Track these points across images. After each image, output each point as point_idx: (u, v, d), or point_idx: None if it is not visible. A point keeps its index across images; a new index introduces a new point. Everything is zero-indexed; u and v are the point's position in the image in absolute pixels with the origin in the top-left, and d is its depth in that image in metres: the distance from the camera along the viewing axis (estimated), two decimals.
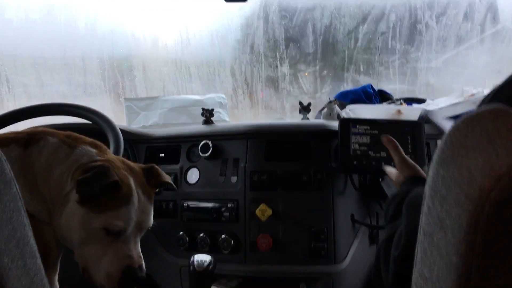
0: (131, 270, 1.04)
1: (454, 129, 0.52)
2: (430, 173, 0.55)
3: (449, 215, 0.49)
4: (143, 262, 1.08)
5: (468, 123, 0.51)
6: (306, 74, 2.45)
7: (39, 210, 1.03)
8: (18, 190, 0.64)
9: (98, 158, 1.07)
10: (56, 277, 1.10)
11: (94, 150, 1.09)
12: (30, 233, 0.67)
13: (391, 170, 1.30)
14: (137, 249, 1.09)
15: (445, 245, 0.50)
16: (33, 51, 2.46)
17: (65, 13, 2.39)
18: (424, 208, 0.56)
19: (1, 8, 2.37)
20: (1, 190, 0.59)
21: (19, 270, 0.61)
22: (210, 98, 2.17)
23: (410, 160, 1.24)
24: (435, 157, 0.54)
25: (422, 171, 1.21)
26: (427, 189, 0.55)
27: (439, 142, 1.67)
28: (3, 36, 2.42)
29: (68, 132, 1.13)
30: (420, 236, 0.58)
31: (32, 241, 0.67)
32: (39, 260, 0.68)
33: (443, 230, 0.50)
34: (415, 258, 0.60)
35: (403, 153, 1.26)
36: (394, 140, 1.29)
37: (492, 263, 0.45)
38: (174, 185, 1.25)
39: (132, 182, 1.07)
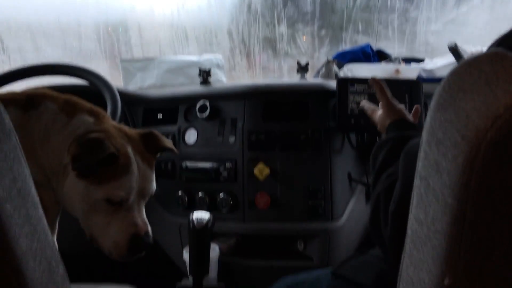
0: (137, 237, 1.05)
1: (452, 73, 0.52)
2: (427, 118, 0.55)
3: (445, 158, 0.50)
4: (149, 228, 1.09)
5: (466, 66, 0.51)
6: (304, 38, 2.42)
7: (36, 174, 0.99)
8: (18, 141, 0.64)
9: (95, 128, 1.04)
10: (55, 237, 1.11)
11: (91, 119, 1.07)
12: (31, 184, 0.67)
13: (374, 109, 1.28)
14: (142, 216, 1.09)
15: (441, 187, 0.51)
16: (28, 15, 2.42)
17: None
18: (421, 154, 0.57)
19: None
20: (1, 140, 0.59)
21: (21, 218, 0.61)
22: (207, 59, 2.15)
23: (397, 104, 1.23)
24: (432, 102, 0.54)
25: (408, 116, 1.21)
26: (424, 134, 0.56)
27: None
28: None
29: (68, 97, 1.10)
30: (416, 181, 0.59)
31: (34, 192, 0.67)
32: (41, 211, 0.69)
33: (439, 173, 0.51)
34: (410, 204, 0.61)
35: (390, 96, 1.26)
36: (381, 81, 1.28)
37: (487, 202, 0.46)
38: (175, 150, 1.24)
39: (130, 150, 1.06)
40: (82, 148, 0.97)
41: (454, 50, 1.13)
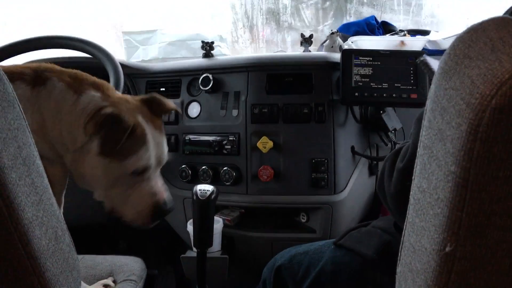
0: (158, 205, 1.11)
1: (458, 40, 0.52)
2: (432, 86, 0.55)
3: (449, 126, 0.49)
4: (168, 194, 1.15)
5: (472, 33, 0.51)
6: (308, 10, 2.38)
7: (45, 150, 1.02)
8: (21, 110, 0.65)
9: (103, 104, 1.04)
10: (61, 211, 1.12)
11: (98, 94, 1.06)
12: (36, 153, 0.67)
13: None
14: (159, 184, 1.15)
15: (444, 155, 0.51)
16: None
17: None
18: (425, 122, 0.57)
19: None
20: (5, 108, 0.59)
21: (27, 187, 0.62)
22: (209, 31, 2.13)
23: None
24: (437, 70, 0.54)
25: None
26: (428, 102, 0.56)
27: None
28: None
29: (73, 72, 1.09)
30: (420, 150, 0.58)
31: (38, 161, 0.68)
32: (46, 180, 0.70)
33: (443, 142, 0.51)
34: (414, 172, 0.61)
35: None
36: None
37: (490, 169, 0.46)
38: (179, 110, 1.24)
39: (141, 119, 1.08)
40: (101, 127, 0.99)
41: (424, 64, 1.13)
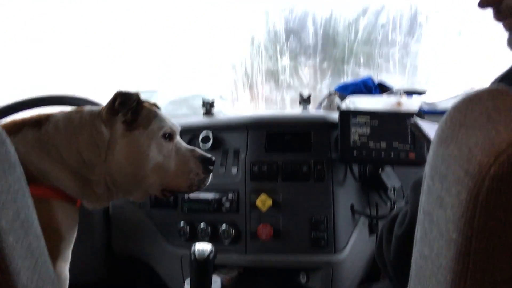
0: (202, 156, 1.25)
1: (454, 108, 0.53)
2: (430, 152, 0.56)
3: (449, 193, 0.50)
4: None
5: (467, 102, 0.52)
6: (307, 69, 2.45)
7: (71, 186, 1.09)
8: (22, 173, 0.65)
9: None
10: (67, 266, 1.11)
11: (92, 108, 1.19)
12: (34, 216, 0.67)
13: None
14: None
15: (445, 222, 0.51)
16: None
17: None
18: (424, 188, 0.57)
19: None
20: (6, 171, 0.59)
21: (23, 250, 0.61)
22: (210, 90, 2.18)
23: None
24: (435, 137, 0.55)
25: None
26: (427, 168, 0.56)
27: None
28: None
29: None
30: (420, 216, 0.58)
31: (36, 223, 0.68)
32: (43, 242, 0.69)
33: (443, 208, 0.51)
34: (415, 238, 0.60)
35: None
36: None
37: (492, 237, 0.46)
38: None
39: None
40: (115, 103, 1.13)
41: (415, 126, 1.16)
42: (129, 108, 1.15)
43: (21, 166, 0.64)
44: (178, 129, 1.27)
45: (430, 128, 1.21)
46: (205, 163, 1.25)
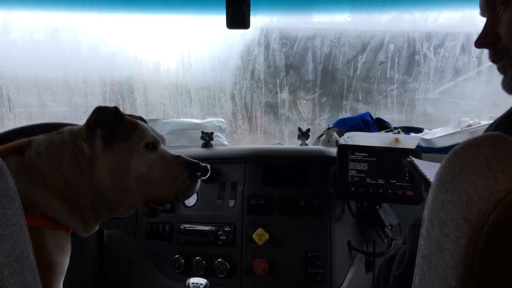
0: (188, 162, 1.22)
1: (453, 154, 0.53)
2: (429, 197, 0.56)
3: (448, 239, 0.50)
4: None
5: (466, 149, 0.53)
6: (304, 102, 2.48)
7: (59, 211, 1.07)
8: (21, 206, 0.65)
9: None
10: None
11: (75, 128, 1.18)
12: (30, 249, 0.67)
13: None
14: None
15: (444, 268, 0.50)
16: (36, 72, 2.49)
17: (69, 35, 2.43)
18: (423, 232, 0.57)
19: (6, 28, 2.40)
20: (5, 205, 0.59)
21: (18, 284, 0.61)
22: (209, 122, 2.19)
23: None
24: (434, 181, 0.55)
25: None
26: (426, 213, 0.56)
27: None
28: (6, 56, 2.46)
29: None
30: (418, 259, 0.58)
31: (32, 257, 0.67)
32: (37, 276, 0.68)
33: (442, 254, 0.51)
34: (413, 281, 0.60)
35: None
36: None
37: (491, 285, 0.46)
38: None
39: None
40: (93, 117, 1.12)
41: (411, 165, 1.18)
42: (106, 123, 1.14)
43: (19, 198, 0.64)
44: (162, 139, 1.26)
45: (426, 167, 1.22)
46: (192, 169, 1.22)
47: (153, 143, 1.19)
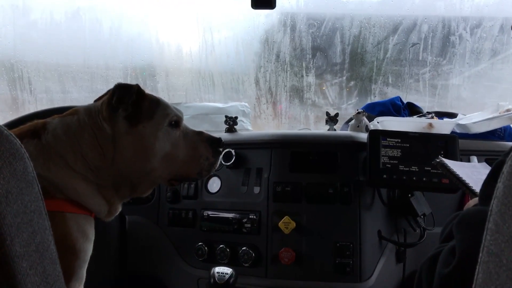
0: (212, 139, 1.20)
1: None
2: (499, 185, 0.49)
3: None
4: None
5: None
6: (324, 88, 2.39)
7: (83, 194, 1.04)
8: (40, 191, 0.60)
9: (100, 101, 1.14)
10: (82, 287, 1.05)
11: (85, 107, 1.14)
12: (51, 237, 0.62)
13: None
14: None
15: None
16: (57, 56, 2.46)
17: (90, 16, 2.38)
18: (490, 225, 0.50)
19: (26, 9, 2.37)
20: (23, 190, 0.54)
21: (37, 276, 0.56)
22: (233, 106, 2.13)
23: None
24: (506, 168, 0.48)
25: None
26: (495, 203, 0.49)
27: (472, 157, 1.57)
28: (27, 39, 2.43)
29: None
30: (483, 256, 0.51)
31: (53, 246, 0.62)
32: (58, 267, 0.63)
33: None
34: (475, 280, 0.53)
35: None
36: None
37: None
38: None
39: None
40: (113, 97, 1.07)
41: (442, 166, 1.11)
42: (129, 102, 1.09)
43: (38, 184, 0.59)
44: (182, 115, 1.22)
45: (458, 167, 1.14)
46: (215, 145, 1.20)
47: (176, 121, 1.16)
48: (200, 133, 1.21)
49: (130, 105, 1.09)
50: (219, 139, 1.21)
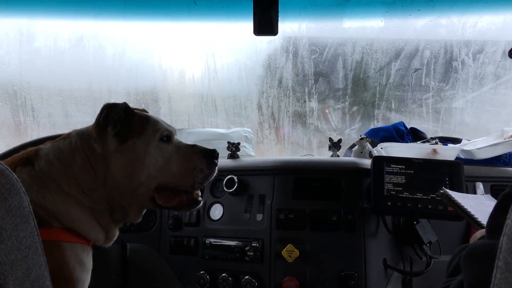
0: (205, 151, 1.19)
1: None
2: (509, 223, 0.47)
3: None
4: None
5: None
6: (327, 111, 2.39)
7: (79, 220, 1.03)
8: (36, 226, 0.58)
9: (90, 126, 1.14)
10: None
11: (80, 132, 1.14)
12: (47, 273, 0.60)
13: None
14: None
15: None
16: (60, 82, 2.48)
17: (93, 43, 2.40)
18: (500, 264, 0.48)
19: (30, 36, 2.39)
20: (18, 226, 0.53)
21: None
22: (235, 132, 2.12)
23: None
24: None
25: None
26: (504, 241, 0.47)
27: (478, 184, 1.55)
28: (31, 65, 2.45)
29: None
30: None
31: (48, 282, 0.60)
32: None
33: None
34: None
35: None
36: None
37: None
38: None
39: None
40: (102, 119, 1.07)
41: (447, 198, 1.11)
42: (117, 119, 1.08)
43: (34, 218, 0.57)
44: (174, 130, 1.21)
45: (462, 199, 1.13)
46: (209, 157, 1.18)
47: (167, 135, 1.15)
48: (193, 146, 1.20)
49: (119, 122, 1.09)
50: (213, 151, 1.20)
